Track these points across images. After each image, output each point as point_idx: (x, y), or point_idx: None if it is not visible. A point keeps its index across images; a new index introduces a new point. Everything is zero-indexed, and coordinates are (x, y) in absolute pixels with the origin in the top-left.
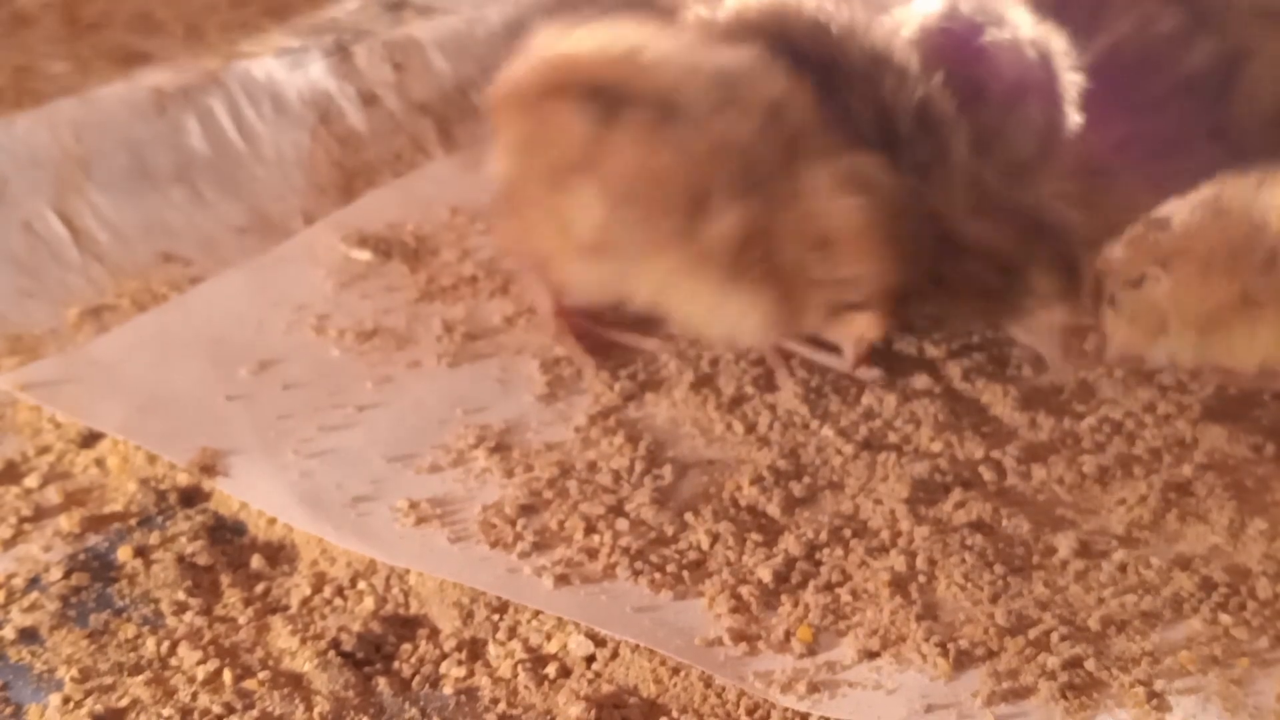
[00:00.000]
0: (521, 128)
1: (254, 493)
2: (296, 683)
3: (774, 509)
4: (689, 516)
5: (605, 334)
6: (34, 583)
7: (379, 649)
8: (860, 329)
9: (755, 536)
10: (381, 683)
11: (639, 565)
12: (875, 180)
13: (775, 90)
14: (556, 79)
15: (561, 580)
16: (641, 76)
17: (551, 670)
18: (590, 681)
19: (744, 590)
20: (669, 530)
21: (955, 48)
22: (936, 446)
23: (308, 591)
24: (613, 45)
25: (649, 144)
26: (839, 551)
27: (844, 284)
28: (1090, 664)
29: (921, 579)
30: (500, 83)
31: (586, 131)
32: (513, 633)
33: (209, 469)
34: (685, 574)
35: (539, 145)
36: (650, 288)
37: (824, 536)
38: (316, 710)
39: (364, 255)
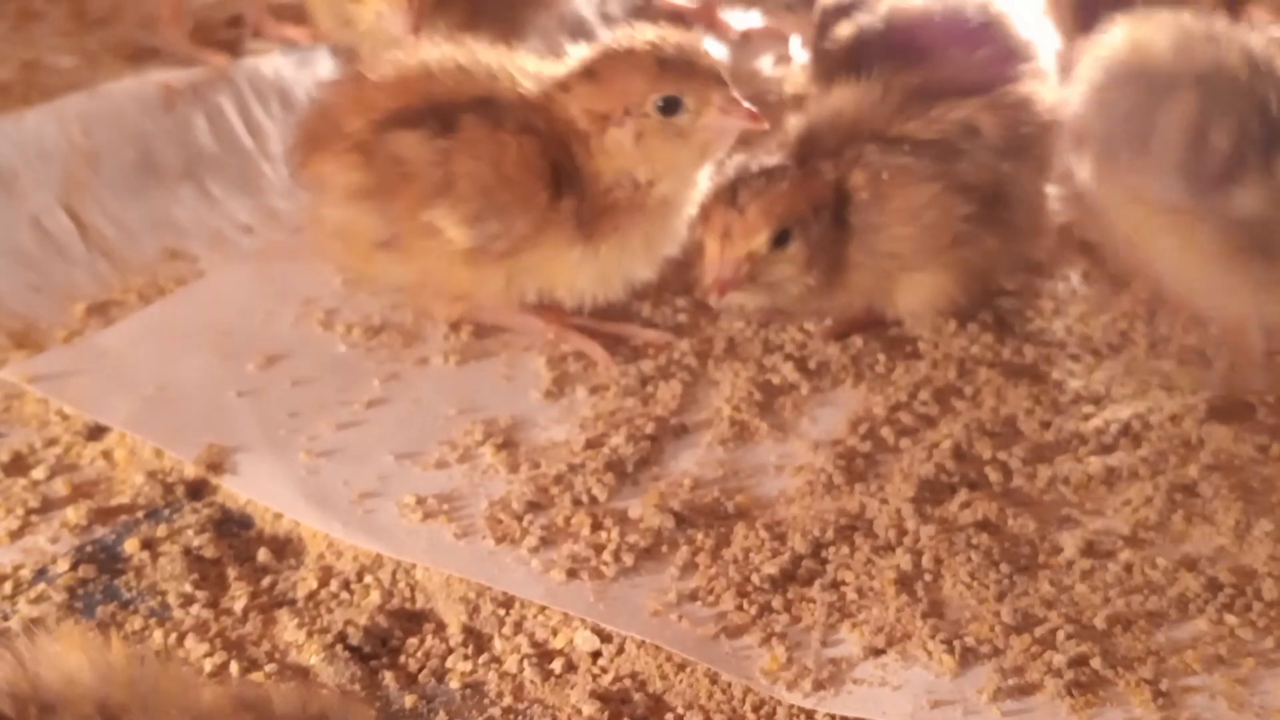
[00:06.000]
0: (362, 174)
1: (261, 489)
2: (303, 676)
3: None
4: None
5: (605, 328)
6: (41, 574)
7: (385, 643)
8: None
9: (762, 534)
10: (388, 676)
11: (646, 563)
12: None
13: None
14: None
15: (569, 575)
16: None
17: (558, 665)
18: (596, 677)
19: (750, 587)
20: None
21: None
22: (944, 447)
23: (314, 585)
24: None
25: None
26: (845, 549)
27: None
28: (1096, 662)
29: (927, 577)
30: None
31: (433, 149)
32: (519, 628)
33: (215, 466)
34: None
35: (390, 183)
36: (538, 273)
37: (830, 535)
38: None
39: None
